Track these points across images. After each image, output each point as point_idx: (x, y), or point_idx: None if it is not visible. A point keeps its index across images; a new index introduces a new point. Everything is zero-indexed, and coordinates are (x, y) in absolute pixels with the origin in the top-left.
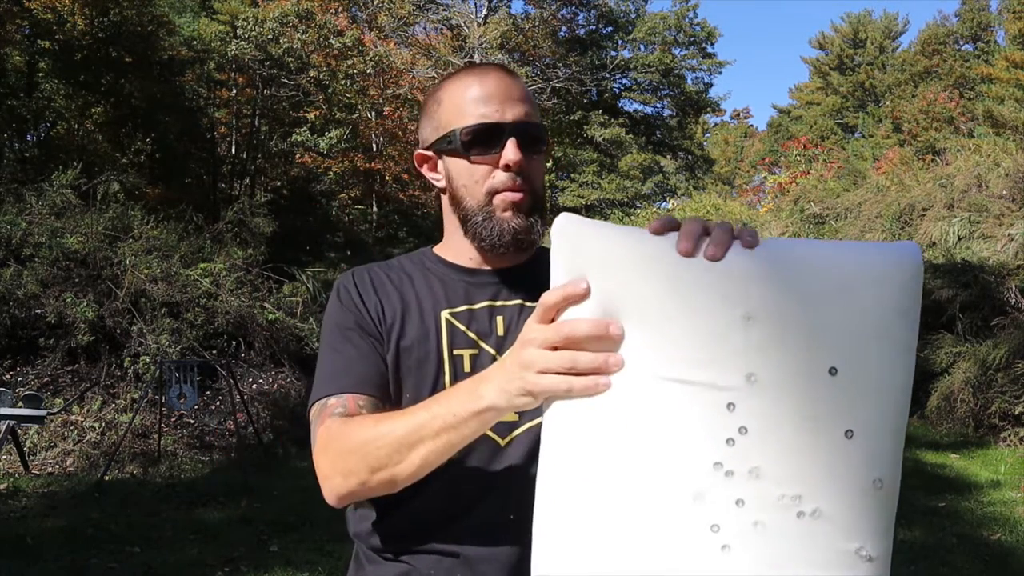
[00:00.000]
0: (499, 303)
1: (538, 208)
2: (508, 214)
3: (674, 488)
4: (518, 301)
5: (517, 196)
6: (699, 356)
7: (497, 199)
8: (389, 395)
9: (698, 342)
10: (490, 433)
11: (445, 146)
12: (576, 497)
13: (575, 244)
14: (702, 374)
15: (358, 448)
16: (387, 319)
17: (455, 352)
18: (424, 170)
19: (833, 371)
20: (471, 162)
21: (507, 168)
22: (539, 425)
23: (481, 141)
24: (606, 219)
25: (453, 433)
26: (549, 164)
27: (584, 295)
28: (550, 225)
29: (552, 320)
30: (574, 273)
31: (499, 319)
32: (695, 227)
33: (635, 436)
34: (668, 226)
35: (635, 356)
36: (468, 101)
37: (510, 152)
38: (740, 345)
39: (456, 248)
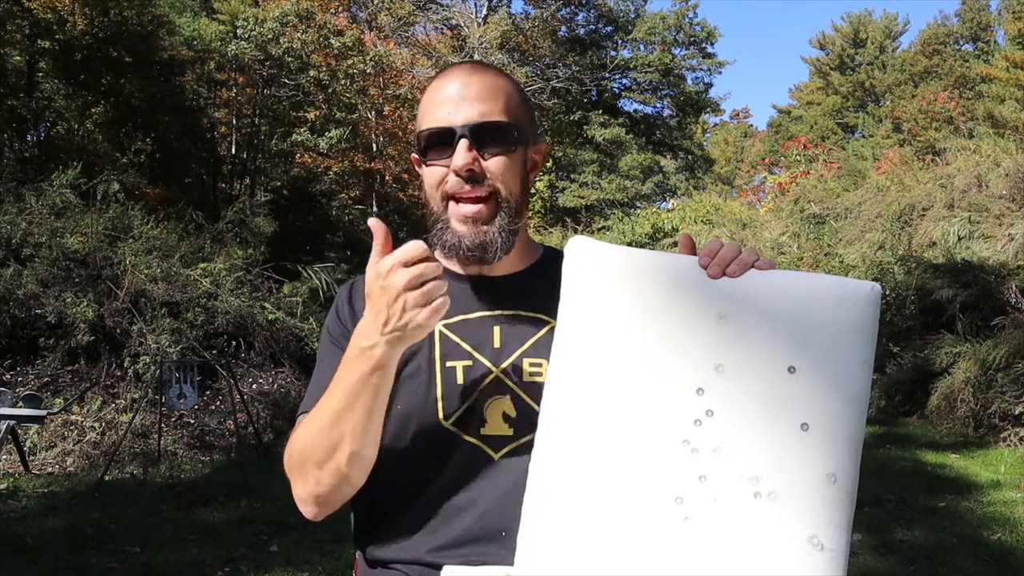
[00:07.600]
0: (496, 312)
1: (506, 212)
2: (463, 228)
3: (645, 462)
4: (515, 311)
5: (470, 209)
6: (678, 346)
7: (452, 208)
8: None
9: (677, 335)
10: (483, 446)
11: (417, 151)
12: (566, 480)
13: (589, 265)
14: (679, 360)
15: (301, 450)
16: None
17: (448, 364)
18: (420, 171)
19: (792, 370)
20: (428, 166)
21: (457, 173)
22: (531, 441)
23: (434, 145)
24: (606, 219)
25: (365, 396)
26: (549, 164)
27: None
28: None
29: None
30: (587, 291)
31: (496, 329)
32: (715, 246)
33: (618, 414)
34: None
35: (633, 351)
36: (429, 104)
37: (458, 156)
38: (712, 339)
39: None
